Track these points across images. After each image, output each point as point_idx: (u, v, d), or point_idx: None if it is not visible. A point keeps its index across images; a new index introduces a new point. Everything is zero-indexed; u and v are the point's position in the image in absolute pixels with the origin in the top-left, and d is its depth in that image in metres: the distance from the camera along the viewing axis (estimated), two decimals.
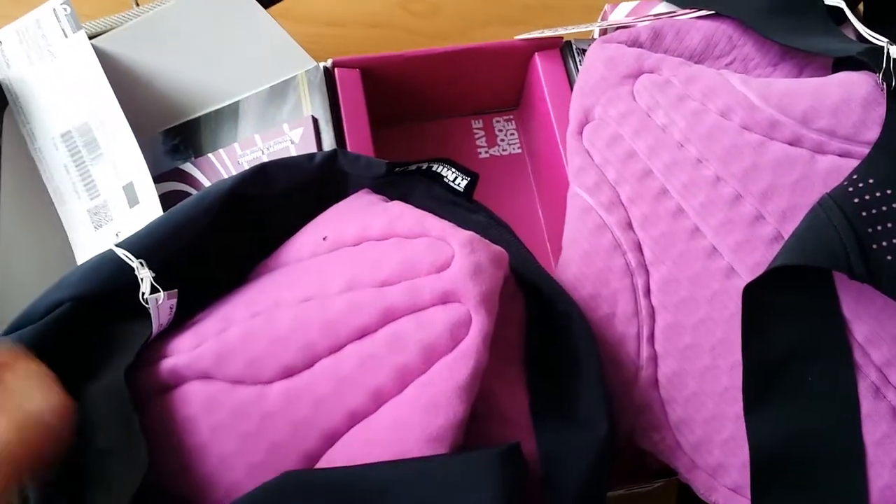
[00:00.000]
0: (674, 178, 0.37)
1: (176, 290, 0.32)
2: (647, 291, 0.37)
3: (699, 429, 0.36)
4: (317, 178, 0.37)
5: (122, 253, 0.31)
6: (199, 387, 0.32)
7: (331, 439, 0.31)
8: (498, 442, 0.32)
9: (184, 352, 0.33)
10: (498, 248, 0.32)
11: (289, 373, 0.32)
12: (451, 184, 0.37)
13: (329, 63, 0.46)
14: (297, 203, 0.37)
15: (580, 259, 0.38)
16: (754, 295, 0.33)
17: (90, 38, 0.44)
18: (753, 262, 0.35)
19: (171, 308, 0.32)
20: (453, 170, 0.37)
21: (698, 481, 0.36)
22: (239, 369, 0.32)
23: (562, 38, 0.48)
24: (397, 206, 0.34)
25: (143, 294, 0.31)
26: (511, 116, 0.55)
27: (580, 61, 0.47)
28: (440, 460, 0.29)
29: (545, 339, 0.36)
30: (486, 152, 0.53)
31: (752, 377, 0.34)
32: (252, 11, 0.45)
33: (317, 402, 0.31)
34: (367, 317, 0.31)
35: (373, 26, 0.57)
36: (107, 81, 0.43)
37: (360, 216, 0.35)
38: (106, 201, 0.42)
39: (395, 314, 0.31)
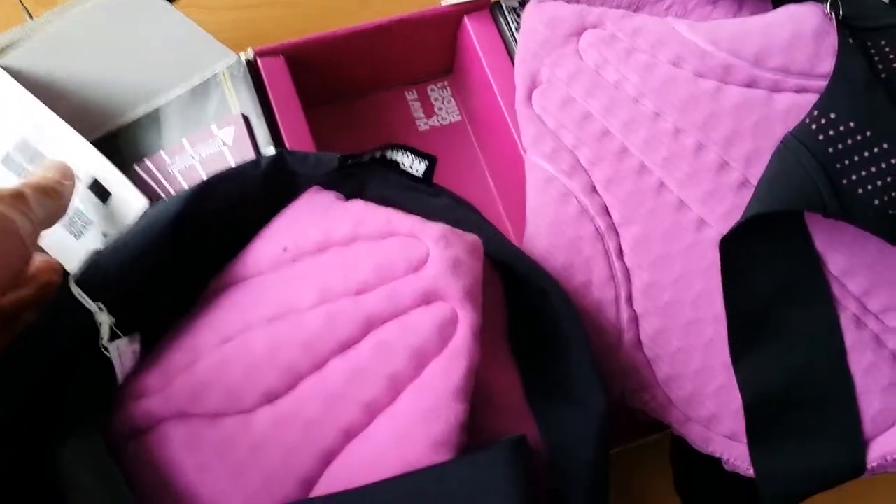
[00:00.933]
0: (633, 135, 0.36)
1: (138, 333, 0.30)
2: (620, 253, 0.36)
3: (688, 382, 0.35)
4: (264, 184, 0.35)
5: (78, 293, 0.29)
6: (176, 426, 0.30)
7: (327, 459, 0.29)
8: (496, 432, 0.31)
9: (155, 391, 0.30)
10: (472, 236, 0.31)
11: (271, 398, 0.30)
12: (409, 169, 0.35)
13: (250, 54, 0.43)
14: (247, 213, 0.35)
15: (548, 230, 0.37)
16: (731, 246, 0.33)
17: None
18: (723, 210, 0.35)
19: (134, 353, 0.30)
20: (409, 154, 0.35)
21: (693, 433, 0.36)
22: (217, 402, 0.30)
23: (488, 0, 0.46)
24: (357, 205, 0.32)
25: (103, 340, 0.28)
26: (445, 83, 0.53)
27: (512, 20, 0.45)
28: (449, 467, 0.27)
29: (526, 318, 0.35)
30: (426, 124, 0.51)
31: (737, 326, 0.34)
32: (159, 9, 0.41)
33: (307, 424, 0.29)
34: (347, 329, 0.29)
35: (288, 5, 0.53)
36: (26, 91, 0.39)
37: (319, 221, 0.32)
38: (77, 207, 0.38)
39: (377, 322, 0.29)
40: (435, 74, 0.52)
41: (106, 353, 0.29)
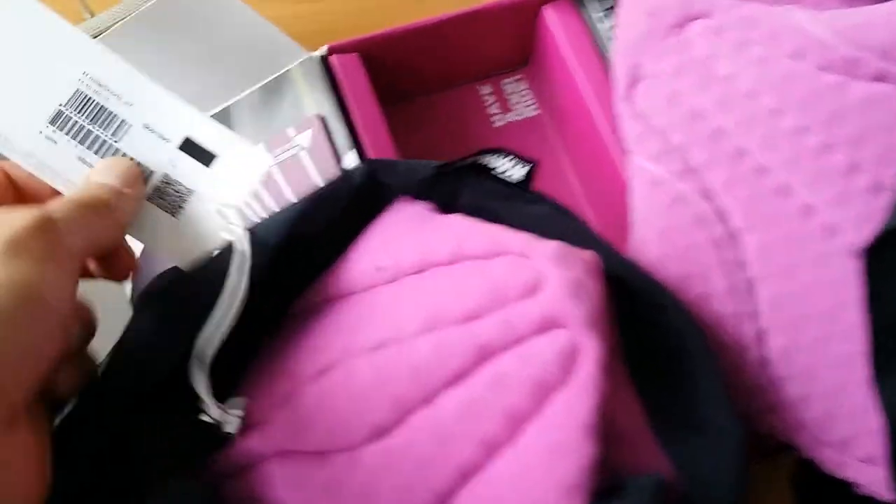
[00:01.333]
0: (750, 134, 0.33)
1: (245, 397, 0.28)
2: (742, 263, 0.33)
3: (820, 403, 0.32)
4: (357, 198, 0.32)
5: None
6: (278, 465, 0.28)
7: (442, 501, 0.27)
8: (621, 464, 0.29)
9: (252, 427, 0.28)
10: (590, 253, 0.28)
11: (379, 433, 0.28)
12: (505, 175, 0.33)
13: (324, 50, 0.41)
14: (337, 230, 0.32)
15: (658, 238, 0.34)
16: (873, 257, 0.30)
17: None
18: (855, 214, 0.32)
19: (239, 417, 0.28)
20: (507, 159, 0.32)
21: (825, 457, 0.33)
22: (321, 438, 0.28)
23: None
24: (458, 220, 0.30)
25: (206, 407, 0.26)
26: (521, 76, 0.50)
27: (597, 8, 0.42)
28: None
29: (641, 336, 0.32)
30: (502, 119, 0.48)
31: (881, 343, 0.31)
32: (225, 5, 0.39)
33: (419, 463, 0.27)
34: (459, 359, 0.27)
35: None
36: (80, 32, 0.30)
37: (415, 237, 0.30)
38: (167, 174, 0.30)
39: (491, 351, 0.27)
40: (510, 67, 0.49)
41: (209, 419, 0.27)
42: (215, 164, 0.30)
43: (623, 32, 0.36)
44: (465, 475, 0.27)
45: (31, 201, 0.30)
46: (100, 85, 0.29)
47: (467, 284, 0.28)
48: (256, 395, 0.29)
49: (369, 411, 0.27)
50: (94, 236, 0.26)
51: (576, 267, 0.27)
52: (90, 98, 0.29)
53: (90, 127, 0.29)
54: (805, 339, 0.32)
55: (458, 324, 0.27)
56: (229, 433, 0.28)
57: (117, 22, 0.38)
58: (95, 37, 0.38)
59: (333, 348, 0.29)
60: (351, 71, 0.40)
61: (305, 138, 0.39)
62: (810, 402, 0.33)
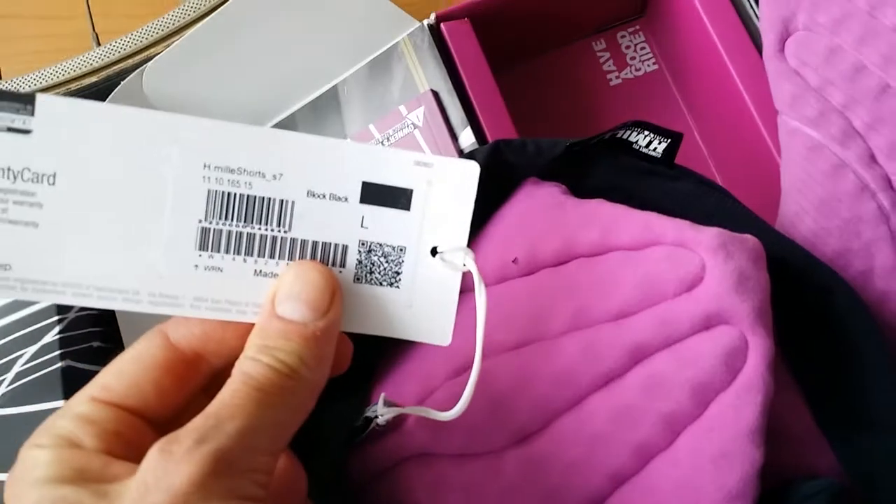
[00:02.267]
0: None
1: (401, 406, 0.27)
2: None
3: None
4: (484, 180, 0.30)
5: None
6: (418, 466, 0.27)
7: None
8: (787, 465, 0.26)
9: (392, 428, 0.27)
10: (752, 240, 0.25)
11: (523, 436, 0.26)
12: (645, 150, 0.30)
13: (433, 18, 0.38)
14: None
15: (816, 209, 0.31)
16: None
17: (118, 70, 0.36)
18: None
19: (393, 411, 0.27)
20: (646, 133, 0.30)
21: None
22: (461, 441, 0.27)
23: None
24: (603, 206, 0.27)
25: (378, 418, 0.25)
26: (637, 27, 0.46)
27: None
28: None
29: (805, 324, 0.29)
30: (618, 76, 0.45)
31: None
32: None
33: (566, 468, 0.25)
34: (609, 360, 0.25)
35: None
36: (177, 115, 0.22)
37: (553, 224, 0.28)
38: (363, 242, 0.23)
39: (646, 352, 0.25)
40: (625, 17, 0.46)
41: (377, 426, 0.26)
42: (415, 201, 0.23)
43: None
44: (617, 481, 0.25)
45: (214, 363, 0.23)
46: (231, 171, 0.21)
47: (617, 278, 0.25)
48: (391, 395, 0.28)
49: (511, 415, 0.26)
50: (288, 418, 0.21)
51: (739, 256, 0.24)
52: (229, 193, 0.22)
53: (248, 229, 0.22)
54: None
55: (607, 321, 0.25)
56: (376, 427, 0.27)
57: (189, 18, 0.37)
58: (174, 34, 0.37)
59: (467, 346, 0.28)
60: (462, 39, 0.38)
61: (418, 115, 0.37)
62: None
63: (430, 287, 0.23)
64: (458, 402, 0.25)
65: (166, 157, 0.21)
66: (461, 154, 0.36)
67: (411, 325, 0.23)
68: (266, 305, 0.21)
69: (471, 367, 0.25)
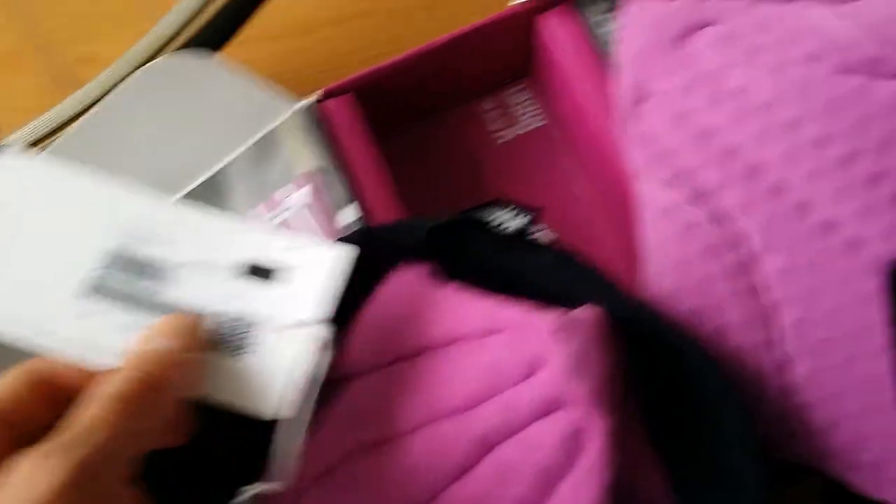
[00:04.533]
0: (768, 149, 0.30)
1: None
2: (761, 289, 0.31)
3: (850, 427, 0.31)
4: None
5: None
6: None
7: None
8: None
9: None
10: (593, 314, 0.27)
11: None
12: (506, 225, 0.31)
13: (315, 97, 0.39)
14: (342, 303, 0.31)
15: (673, 269, 0.32)
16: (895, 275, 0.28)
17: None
18: (882, 228, 0.29)
19: None
20: (507, 210, 0.31)
21: (859, 480, 0.31)
22: None
23: None
24: (453, 295, 0.28)
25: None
26: (524, 85, 0.48)
27: (595, 13, 0.40)
28: None
29: (660, 384, 0.30)
30: (507, 134, 0.46)
31: None
32: (205, 67, 0.38)
33: None
34: (460, 452, 0.26)
35: (349, 18, 0.49)
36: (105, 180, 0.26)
37: (411, 315, 0.29)
38: (226, 312, 0.25)
39: (494, 440, 0.26)
40: (512, 77, 0.47)
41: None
42: (283, 279, 0.26)
43: (625, 47, 0.33)
44: None
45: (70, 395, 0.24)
46: (132, 234, 0.25)
47: (463, 368, 0.26)
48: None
49: None
50: (148, 430, 0.23)
51: (577, 338, 0.26)
52: (124, 254, 0.25)
53: (131, 285, 0.25)
54: (830, 362, 0.30)
55: (456, 414, 0.26)
56: None
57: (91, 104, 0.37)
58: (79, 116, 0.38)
59: (333, 446, 0.28)
60: (345, 115, 0.39)
61: (302, 196, 0.38)
62: (839, 427, 0.31)
63: (283, 361, 0.25)
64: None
65: (81, 212, 0.25)
66: (343, 232, 0.37)
67: (255, 394, 0.25)
68: (136, 339, 0.24)
69: (337, 468, 0.26)
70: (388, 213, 0.37)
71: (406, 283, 0.30)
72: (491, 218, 0.31)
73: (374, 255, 0.31)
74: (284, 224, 0.38)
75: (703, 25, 0.32)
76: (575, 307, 0.29)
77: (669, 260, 0.32)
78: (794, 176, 0.30)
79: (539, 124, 0.47)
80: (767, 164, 0.30)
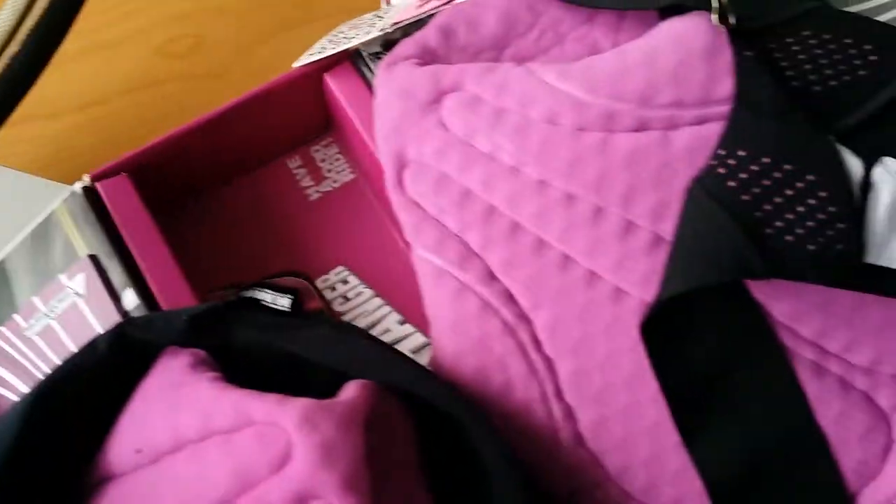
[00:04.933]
0: (521, 210, 0.31)
1: None
2: (537, 343, 0.31)
3: (642, 471, 0.31)
4: (114, 363, 0.30)
5: None
6: None
7: None
8: None
9: None
10: (347, 399, 0.26)
11: None
12: (274, 306, 0.30)
13: (86, 181, 0.38)
14: (103, 398, 0.30)
15: (451, 332, 0.32)
16: (652, 328, 0.28)
17: None
18: (639, 276, 0.30)
19: None
20: (269, 291, 0.30)
21: None
22: None
23: (346, 51, 0.40)
24: (205, 388, 0.27)
25: None
26: (331, 139, 0.47)
27: (375, 68, 0.40)
28: None
29: (442, 446, 0.30)
30: (317, 192, 0.46)
31: (679, 407, 0.29)
32: None
33: None
34: None
35: (135, 90, 0.47)
36: None
37: (168, 410, 0.28)
38: None
39: None
40: (315, 134, 0.47)
41: None
42: None
43: (380, 116, 0.33)
44: None
45: None
46: None
47: (217, 466, 0.25)
48: None
49: None
50: None
51: (326, 426, 0.25)
52: None
53: None
54: (613, 409, 0.31)
55: None
56: None
57: None
58: None
59: None
60: (120, 196, 0.37)
61: (79, 283, 0.36)
62: (633, 472, 0.31)
63: None
64: None
65: None
66: (125, 317, 0.35)
67: None
68: None
69: None
70: (173, 292, 0.36)
71: (172, 372, 0.29)
72: (257, 297, 0.30)
73: (134, 350, 0.30)
74: (64, 315, 0.36)
75: (448, 91, 0.32)
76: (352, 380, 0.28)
77: (447, 322, 0.32)
78: (550, 234, 0.30)
79: (349, 178, 0.46)
80: (524, 223, 0.30)
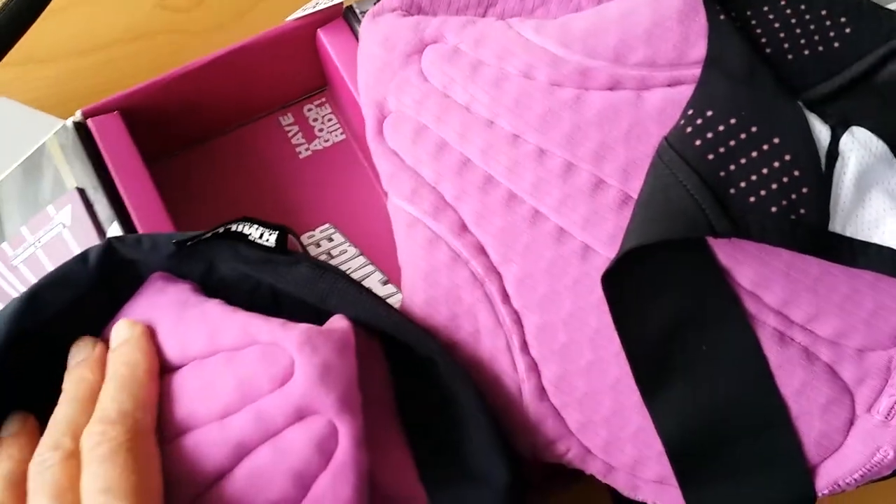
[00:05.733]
0: (494, 162, 0.31)
1: None
2: (505, 296, 0.32)
3: (603, 428, 0.31)
4: (100, 278, 0.31)
5: None
6: None
7: None
8: None
9: None
10: (340, 328, 0.28)
11: None
12: (260, 241, 0.31)
13: (79, 116, 0.38)
14: (89, 313, 0.31)
15: (423, 281, 0.32)
16: (614, 282, 0.29)
17: None
18: (607, 234, 0.30)
19: None
20: (256, 226, 0.31)
21: (619, 482, 0.32)
22: None
23: (341, 4, 0.41)
24: (213, 309, 0.29)
25: None
26: (323, 99, 0.48)
27: None
28: None
29: (416, 389, 0.31)
30: (307, 149, 0.46)
31: (640, 367, 0.30)
32: None
33: None
34: (216, 459, 0.26)
35: (135, 39, 0.48)
36: None
37: (172, 327, 0.29)
38: None
39: (248, 447, 0.27)
40: (309, 91, 0.47)
41: None
42: None
43: (363, 65, 0.34)
44: None
45: None
46: None
47: (221, 379, 0.27)
48: None
49: None
50: None
51: (325, 349, 0.27)
52: None
53: None
54: (577, 365, 0.31)
55: (213, 422, 0.27)
56: None
57: None
58: None
59: None
60: (110, 133, 0.38)
61: (65, 215, 0.37)
62: (594, 428, 0.32)
63: None
64: None
65: None
66: None
67: None
68: None
69: None
70: (157, 229, 0.36)
71: (172, 293, 0.30)
72: (244, 232, 0.31)
73: (120, 269, 0.31)
74: (50, 245, 0.37)
75: (429, 42, 0.32)
76: (330, 317, 0.30)
77: (419, 272, 0.33)
78: (522, 188, 0.31)
79: (340, 138, 0.47)
80: (496, 176, 0.31)
